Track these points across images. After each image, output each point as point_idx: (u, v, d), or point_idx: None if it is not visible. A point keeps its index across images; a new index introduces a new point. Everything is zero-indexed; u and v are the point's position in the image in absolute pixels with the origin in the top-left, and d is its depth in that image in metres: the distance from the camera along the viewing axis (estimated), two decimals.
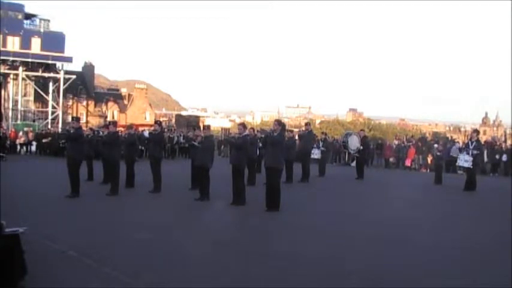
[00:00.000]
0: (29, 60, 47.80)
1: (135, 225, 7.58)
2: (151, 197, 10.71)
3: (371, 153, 23.10)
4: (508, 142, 44.63)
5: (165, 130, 24.79)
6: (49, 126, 42.26)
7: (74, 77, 50.75)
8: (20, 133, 27.27)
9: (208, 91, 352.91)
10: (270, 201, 8.96)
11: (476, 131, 14.80)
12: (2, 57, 45.32)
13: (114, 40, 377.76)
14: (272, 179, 9.02)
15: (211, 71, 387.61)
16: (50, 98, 49.86)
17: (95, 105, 56.72)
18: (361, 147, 16.63)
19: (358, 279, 5.07)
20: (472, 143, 13.35)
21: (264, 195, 9.09)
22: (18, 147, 26.04)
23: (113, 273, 4.98)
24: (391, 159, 23.26)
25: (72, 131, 10.60)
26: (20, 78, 48.12)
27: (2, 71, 46.77)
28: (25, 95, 49.50)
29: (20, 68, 47.89)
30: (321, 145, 17.33)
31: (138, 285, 4.73)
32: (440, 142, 22.43)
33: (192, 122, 57.01)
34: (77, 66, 55.41)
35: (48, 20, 50.77)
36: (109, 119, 49.23)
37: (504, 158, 20.70)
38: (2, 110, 45.34)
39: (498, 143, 26.46)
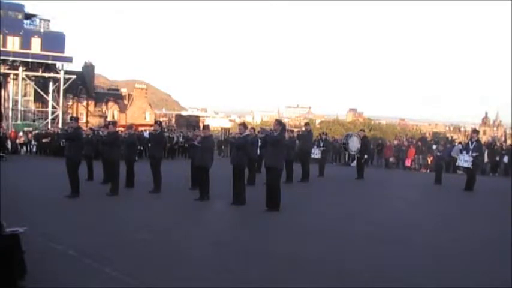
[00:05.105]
0: (29, 60, 47.80)
1: (135, 225, 7.58)
2: (151, 197, 10.70)
3: (371, 153, 23.11)
4: (508, 142, 44.65)
5: (165, 130, 24.83)
6: (49, 126, 42.26)
7: (74, 77, 50.74)
8: (20, 133, 27.30)
9: (208, 91, 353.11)
10: (270, 201, 8.96)
11: (476, 131, 14.82)
12: (2, 57, 45.32)
13: (114, 40, 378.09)
14: (272, 179, 9.01)
15: (211, 71, 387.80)
16: (50, 98, 49.87)
17: (95, 105, 56.70)
18: (361, 147, 16.60)
19: (358, 279, 5.07)
20: (472, 143, 13.36)
21: (264, 195, 9.09)
22: (18, 147, 26.05)
23: (113, 273, 4.97)
24: (391, 159, 23.27)
25: (70, 131, 10.58)
26: (20, 78, 48.11)
27: (2, 71, 46.77)
28: (25, 95, 49.51)
29: (20, 68, 47.88)
30: (321, 145, 17.33)
31: (138, 285, 4.73)
32: (441, 142, 22.46)
33: (192, 122, 57.15)
34: (77, 66, 55.46)
35: (48, 20, 50.77)
36: (109, 119, 49.19)
37: (505, 159, 20.70)
38: (2, 110, 45.33)
39: (498, 143, 26.48)
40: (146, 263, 5.39)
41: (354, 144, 16.95)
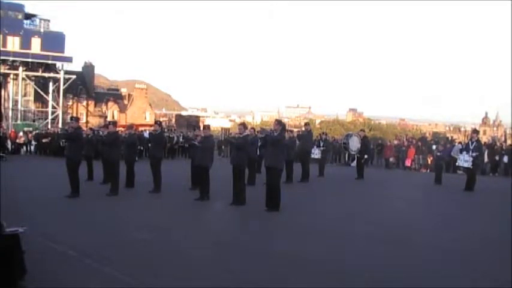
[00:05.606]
0: (29, 60, 47.83)
1: (135, 225, 7.58)
2: (151, 197, 10.70)
3: (371, 153, 23.13)
4: (508, 142, 44.67)
5: (165, 130, 24.83)
6: (49, 126, 42.27)
7: (74, 77, 50.76)
8: (20, 133, 27.27)
9: (208, 91, 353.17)
10: (270, 201, 8.96)
11: (476, 131, 14.81)
12: (2, 57, 45.35)
13: (114, 40, 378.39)
14: (272, 179, 9.01)
15: (211, 71, 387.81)
16: (50, 98, 49.89)
17: (95, 105, 56.72)
18: (361, 147, 16.60)
19: (358, 279, 5.07)
20: (472, 143, 13.36)
21: (264, 195, 9.09)
22: (18, 147, 26.04)
23: (113, 273, 4.97)
24: (391, 159, 23.26)
25: (70, 131, 10.57)
26: (20, 78, 48.13)
27: (2, 71, 46.78)
28: (25, 95, 49.53)
29: (20, 68, 47.91)
30: (321, 145, 17.32)
31: (138, 285, 4.73)
32: (441, 142, 22.45)
33: (192, 122, 57.19)
34: (77, 66, 55.51)
35: (48, 20, 50.84)
36: (109, 119, 49.19)
37: (505, 159, 20.69)
38: (2, 110, 45.34)
39: (498, 143, 26.49)
40: (146, 263, 5.39)
41: (354, 144, 16.94)
